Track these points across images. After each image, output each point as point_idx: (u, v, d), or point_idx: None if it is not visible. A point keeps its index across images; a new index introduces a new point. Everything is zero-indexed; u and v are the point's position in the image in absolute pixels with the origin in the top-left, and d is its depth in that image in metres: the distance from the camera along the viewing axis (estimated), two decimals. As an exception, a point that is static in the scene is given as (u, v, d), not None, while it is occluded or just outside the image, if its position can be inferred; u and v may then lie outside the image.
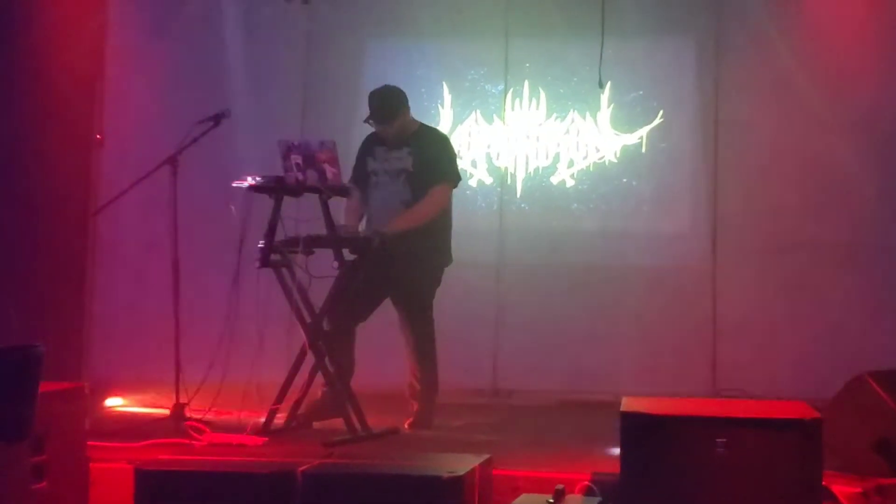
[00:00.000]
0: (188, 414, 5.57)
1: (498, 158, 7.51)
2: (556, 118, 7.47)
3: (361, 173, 5.93)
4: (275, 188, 5.54)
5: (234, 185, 5.54)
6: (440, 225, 5.85)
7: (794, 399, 4.52)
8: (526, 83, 7.49)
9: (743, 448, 3.92)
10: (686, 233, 7.28)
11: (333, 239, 5.50)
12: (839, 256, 6.93)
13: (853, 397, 4.73)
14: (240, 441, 5.19)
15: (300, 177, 5.48)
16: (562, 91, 7.45)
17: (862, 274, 6.89)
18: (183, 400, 5.60)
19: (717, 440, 3.93)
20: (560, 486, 4.05)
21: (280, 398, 5.52)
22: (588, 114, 7.41)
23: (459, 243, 6.05)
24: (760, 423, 3.98)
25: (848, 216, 6.96)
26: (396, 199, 5.80)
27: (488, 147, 7.52)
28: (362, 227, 5.89)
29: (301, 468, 4.04)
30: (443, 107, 7.52)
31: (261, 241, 5.49)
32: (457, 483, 3.92)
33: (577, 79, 7.38)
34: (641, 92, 7.34)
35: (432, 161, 5.83)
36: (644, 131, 7.33)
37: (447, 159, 5.94)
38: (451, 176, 5.91)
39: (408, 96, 5.95)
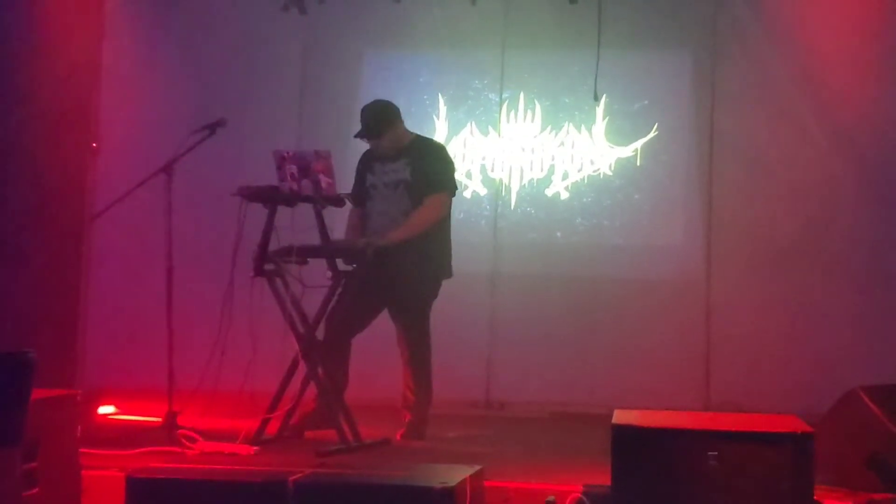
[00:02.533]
0: (180, 422, 5.56)
1: (493, 170, 7.53)
2: (552, 130, 7.49)
3: (361, 189, 5.93)
4: (269, 198, 5.55)
5: (230, 195, 5.55)
6: (437, 236, 5.85)
7: (786, 413, 4.52)
8: (521, 95, 7.51)
9: (735, 462, 3.92)
10: (680, 246, 7.30)
11: (327, 249, 5.51)
12: (833, 270, 6.95)
13: (846, 412, 4.73)
14: (232, 450, 5.19)
15: (295, 186, 5.49)
16: (557, 103, 7.48)
17: (856, 288, 6.90)
18: (175, 408, 5.60)
19: (709, 453, 3.93)
20: (551, 498, 4.05)
21: (272, 407, 5.51)
22: (583, 126, 7.44)
23: (454, 254, 6.05)
24: (753, 437, 3.98)
25: (842, 230, 6.98)
26: (396, 210, 5.81)
27: (483, 158, 7.54)
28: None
29: (293, 477, 4.04)
30: (438, 118, 7.54)
31: (255, 251, 5.50)
32: (448, 494, 3.91)
33: (572, 91, 7.42)
34: (636, 105, 7.37)
35: (429, 171, 5.84)
36: (639, 144, 7.35)
37: (444, 169, 5.94)
38: (448, 185, 5.92)
39: (400, 108, 5.95)
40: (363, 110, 5.90)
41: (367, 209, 5.91)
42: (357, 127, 5.93)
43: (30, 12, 6.56)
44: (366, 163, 5.99)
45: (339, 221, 6.03)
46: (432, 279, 5.88)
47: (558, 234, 7.44)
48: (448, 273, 5.92)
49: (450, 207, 5.90)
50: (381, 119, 5.85)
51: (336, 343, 5.70)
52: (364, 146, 6.03)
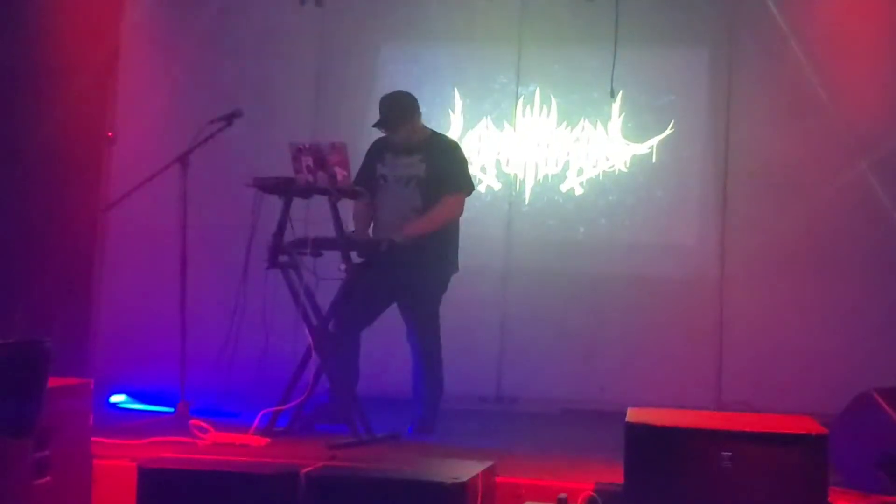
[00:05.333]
0: (192, 413, 5.57)
1: (507, 165, 7.51)
2: (567, 126, 7.46)
3: (369, 177, 5.92)
4: (285, 189, 5.55)
5: (245, 186, 5.55)
6: (449, 233, 5.86)
7: (799, 413, 4.51)
8: (537, 90, 7.49)
9: (748, 462, 3.91)
10: (694, 244, 7.27)
11: (342, 242, 5.51)
12: (847, 271, 6.92)
13: (859, 413, 4.72)
14: (243, 441, 5.19)
15: (310, 178, 5.49)
16: (573, 99, 7.45)
17: (870, 289, 6.87)
18: (188, 399, 5.61)
19: (723, 453, 3.93)
20: (563, 496, 4.04)
21: (284, 399, 5.52)
22: (599, 122, 7.41)
23: (466, 249, 6.05)
24: (766, 438, 3.97)
25: (857, 231, 6.94)
26: (407, 206, 5.81)
27: (498, 153, 7.52)
28: (371, 231, 5.90)
29: (304, 470, 4.04)
30: (453, 112, 7.52)
31: (269, 242, 5.51)
32: (460, 489, 3.92)
33: (588, 87, 7.38)
34: (653, 102, 7.34)
35: (446, 169, 5.84)
36: (655, 141, 7.33)
37: (461, 168, 5.95)
38: (466, 185, 5.94)
39: (419, 101, 5.96)
40: (383, 100, 5.90)
41: (377, 201, 5.91)
42: (373, 117, 5.93)
43: (51, 4, 6.57)
44: (377, 152, 5.98)
45: (352, 214, 6.02)
46: (443, 275, 5.88)
47: (572, 230, 7.41)
48: (455, 268, 5.92)
49: (463, 208, 5.91)
50: (399, 111, 5.86)
51: (346, 336, 5.70)
52: (377, 133, 6.02)
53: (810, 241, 7.00)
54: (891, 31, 6.98)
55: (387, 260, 5.53)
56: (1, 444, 3.77)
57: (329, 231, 5.51)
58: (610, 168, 7.38)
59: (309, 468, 4.07)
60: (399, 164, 5.88)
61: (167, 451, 4.83)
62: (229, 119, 5.82)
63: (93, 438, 4.53)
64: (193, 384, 5.65)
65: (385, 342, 6.10)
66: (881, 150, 6.94)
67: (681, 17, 7.31)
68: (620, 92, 7.25)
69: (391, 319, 5.90)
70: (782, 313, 6.98)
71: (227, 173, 6.59)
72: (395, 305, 5.90)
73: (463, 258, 5.99)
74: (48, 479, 4.08)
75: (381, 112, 5.87)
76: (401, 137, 5.88)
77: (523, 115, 7.51)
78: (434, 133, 6.12)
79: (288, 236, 5.53)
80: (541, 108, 7.49)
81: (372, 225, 5.96)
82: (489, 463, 4.35)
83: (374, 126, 5.91)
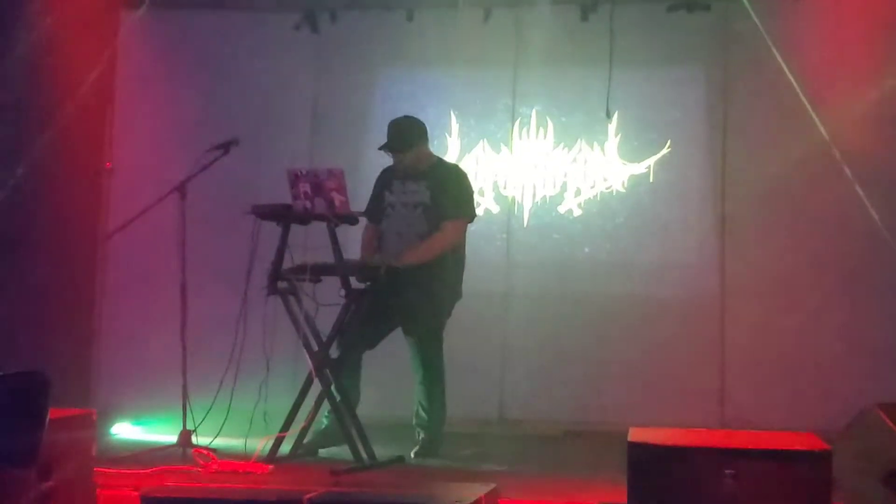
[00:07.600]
0: (195, 441, 5.56)
1: (505, 187, 7.52)
2: (564, 147, 7.49)
3: (378, 207, 5.94)
4: (283, 216, 5.56)
5: (243, 213, 5.57)
6: (454, 259, 5.86)
7: (802, 430, 4.50)
8: (534, 112, 7.51)
9: (751, 479, 3.90)
10: (694, 263, 7.27)
11: (341, 267, 5.51)
12: (848, 288, 6.92)
13: (862, 429, 4.70)
14: (246, 468, 5.18)
15: (308, 205, 5.50)
16: (570, 120, 7.47)
17: (871, 305, 6.87)
18: (190, 427, 5.61)
19: (726, 471, 3.91)
20: (567, 517, 4.04)
21: (287, 426, 5.51)
22: (595, 143, 7.43)
23: (467, 272, 6.04)
24: (769, 455, 3.96)
25: (857, 247, 6.94)
26: (412, 231, 5.82)
27: (495, 176, 7.54)
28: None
29: (307, 496, 4.03)
30: (450, 136, 7.54)
31: (268, 269, 5.51)
32: (464, 512, 3.91)
33: (584, 108, 7.40)
34: (649, 122, 7.36)
35: (448, 195, 5.85)
36: (651, 161, 7.34)
37: (464, 195, 5.95)
38: (467, 212, 5.94)
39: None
40: (391, 124, 5.92)
41: (384, 228, 5.92)
42: (370, 142, 5.95)
43: (45, 33, 6.61)
44: (385, 181, 6.00)
45: (351, 240, 6.03)
46: (448, 300, 5.88)
47: (571, 251, 7.41)
48: (459, 295, 5.92)
49: (465, 234, 5.91)
50: (408, 135, 5.89)
51: (347, 360, 5.70)
52: (382, 163, 6.03)
53: (810, 256, 7.00)
54: (881, 46, 7.01)
55: (387, 285, 5.53)
56: (5, 476, 3.76)
57: (328, 257, 5.51)
58: (608, 188, 7.40)
59: (312, 494, 4.06)
60: (406, 190, 5.90)
61: (170, 479, 4.83)
62: (226, 147, 5.84)
63: (96, 468, 4.52)
64: (195, 412, 5.64)
65: (389, 366, 6.09)
66: (874, 165, 6.94)
67: (675, 37, 7.34)
68: (617, 112, 7.27)
69: (395, 343, 5.90)
70: (784, 330, 6.97)
71: (225, 201, 6.59)
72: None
73: (464, 282, 5.99)
74: (52, 509, 4.07)
75: (388, 136, 5.89)
76: (407, 163, 5.89)
77: (520, 138, 7.53)
78: (440, 160, 6.16)
79: (287, 263, 5.54)
80: (537, 130, 7.52)
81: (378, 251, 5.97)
82: (492, 485, 4.34)
83: (379, 149, 5.92)
